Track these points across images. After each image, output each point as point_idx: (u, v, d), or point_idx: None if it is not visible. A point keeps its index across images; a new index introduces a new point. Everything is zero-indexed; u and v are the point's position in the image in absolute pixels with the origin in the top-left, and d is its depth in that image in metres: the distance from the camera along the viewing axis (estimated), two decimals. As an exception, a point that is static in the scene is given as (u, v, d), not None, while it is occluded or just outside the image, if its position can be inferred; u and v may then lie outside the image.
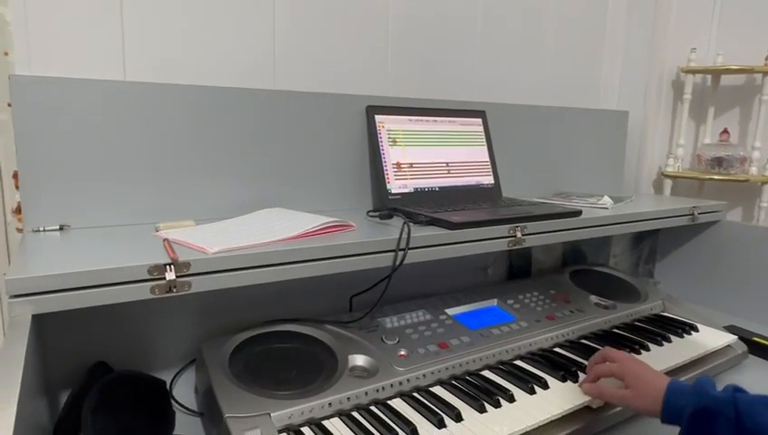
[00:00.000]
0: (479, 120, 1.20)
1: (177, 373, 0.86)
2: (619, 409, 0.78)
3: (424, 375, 0.79)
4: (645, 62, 1.61)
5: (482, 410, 0.72)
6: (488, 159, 1.19)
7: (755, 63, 1.53)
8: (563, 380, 0.81)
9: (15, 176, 0.86)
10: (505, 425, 0.69)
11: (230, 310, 0.89)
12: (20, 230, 0.87)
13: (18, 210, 0.87)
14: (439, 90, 1.27)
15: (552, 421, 0.72)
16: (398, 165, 1.06)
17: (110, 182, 0.86)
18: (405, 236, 0.80)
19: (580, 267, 1.28)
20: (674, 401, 0.67)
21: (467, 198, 1.12)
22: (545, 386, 0.79)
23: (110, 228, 0.84)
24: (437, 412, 0.70)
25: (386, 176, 1.04)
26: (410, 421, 0.68)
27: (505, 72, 1.39)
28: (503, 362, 0.87)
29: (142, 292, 0.63)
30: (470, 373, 0.83)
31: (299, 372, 0.75)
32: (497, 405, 0.74)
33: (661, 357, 0.92)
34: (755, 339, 1.05)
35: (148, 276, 0.63)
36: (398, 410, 0.71)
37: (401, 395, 0.76)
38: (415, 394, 0.76)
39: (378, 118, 1.06)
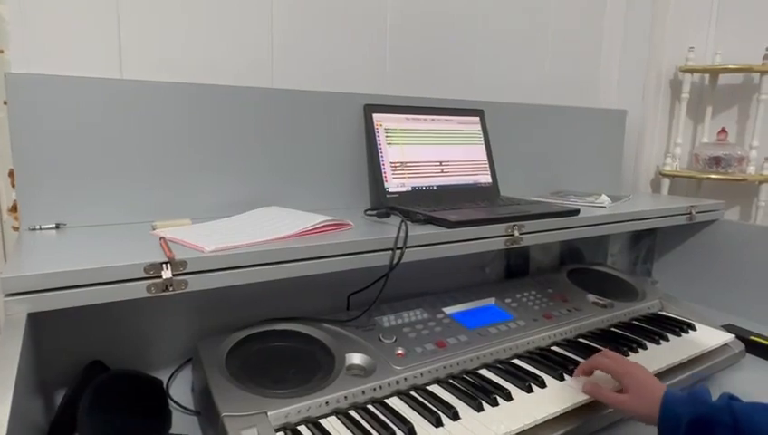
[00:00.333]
0: (477, 119, 1.19)
1: (174, 372, 0.86)
2: (616, 407, 0.78)
3: (421, 374, 0.79)
4: (643, 62, 1.61)
5: (479, 408, 0.72)
6: (486, 158, 1.19)
7: (753, 63, 1.53)
8: (561, 378, 0.81)
9: (11, 174, 0.86)
10: (503, 424, 0.69)
11: (227, 309, 0.89)
12: (16, 229, 0.87)
13: (14, 209, 0.87)
14: (437, 88, 1.27)
15: (549, 420, 0.72)
16: (396, 164, 1.06)
17: (107, 181, 0.85)
18: (402, 234, 0.80)
19: (578, 266, 1.28)
20: (671, 408, 0.66)
21: (465, 197, 1.12)
22: (543, 385, 0.79)
23: (107, 227, 0.84)
24: (435, 411, 0.70)
25: (383, 174, 1.04)
26: (408, 420, 0.68)
27: (504, 70, 1.39)
28: (500, 361, 0.87)
29: (138, 290, 0.62)
30: (467, 372, 0.83)
31: (296, 371, 0.75)
32: (495, 404, 0.74)
33: (659, 356, 0.92)
34: (753, 338, 1.05)
35: (145, 275, 0.62)
36: (396, 408, 0.71)
37: (398, 394, 0.76)
38: (412, 393, 0.76)
39: (375, 116, 1.06)
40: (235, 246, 0.70)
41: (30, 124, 0.79)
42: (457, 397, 0.75)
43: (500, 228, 0.91)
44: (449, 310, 0.98)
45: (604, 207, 1.15)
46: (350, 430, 0.66)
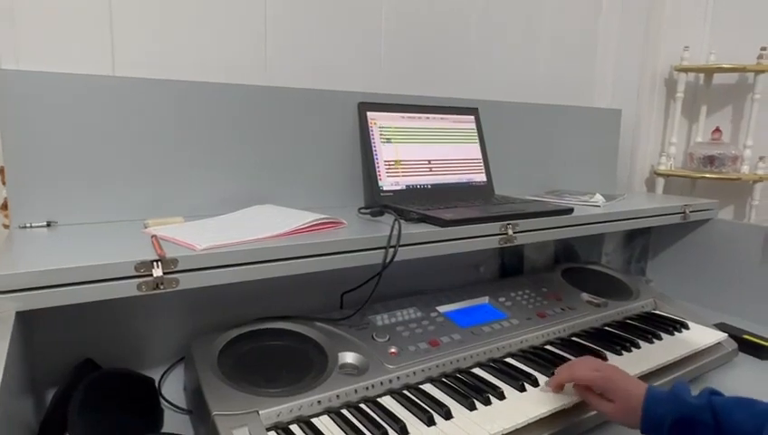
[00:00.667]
0: (472, 118, 1.19)
1: (166, 371, 0.85)
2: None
3: (414, 373, 0.79)
4: (638, 61, 1.61)
5: (472, 407, 0.72)
6: (480, 157, 1.19)
7: (747, 62, 1.53)
8: (554, 377, 0.81)
9: (2, 172, 0.85)
10: (495, 422, 0.69)
11: (220, 307, 0.89)
12: (6, 226, 0.86)
13: (5, 206, 0.86)
14: (432, 87, 1.27)
15: (541, 419, 0.72)
16: (390, 162, 1.06)
17: (99, 178, 0.85)
18: (395, 233, 0.79)
19: (573, 265, 1.28)
20: (653, 410, 0.66)
21: (459, 196, 1.11)
22: (535, 383, 0.79)
23: (98, 225, 0.83)
24: (427, 410, 0.70)
25: (378, 173, 1.03)
26: (400, 419, 0.68)
27: (499, 69, 1.38)
28: (493, 360, 0.87)
29: (129, 289, 0.62)
30: (461, 371, 0.83)
31: (288, 370, 0.75)
32: (487, 402, 0.74)
33: (652, 355, 0.92)
34: (745, 337, 1.06)
35: (135, 273, 0.62)
36: (388, 407, 0.71)
37: (391, 393, 0.75)
38: (405, 392, 0.76)
39: (370, 114, 1.06)
40: (228, 245, 0.69)
41: (20, 121, 0.78)
42: (450, 396, 0.75)
43: (494, 227, 0.91)
44: (443, 309, 0.98)
45: (598, 206, 1.15)
46: (342, 429, 0.66)
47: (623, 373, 0.74)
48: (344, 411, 0.70)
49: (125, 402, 0.73)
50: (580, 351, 0.91)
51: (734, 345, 1.01)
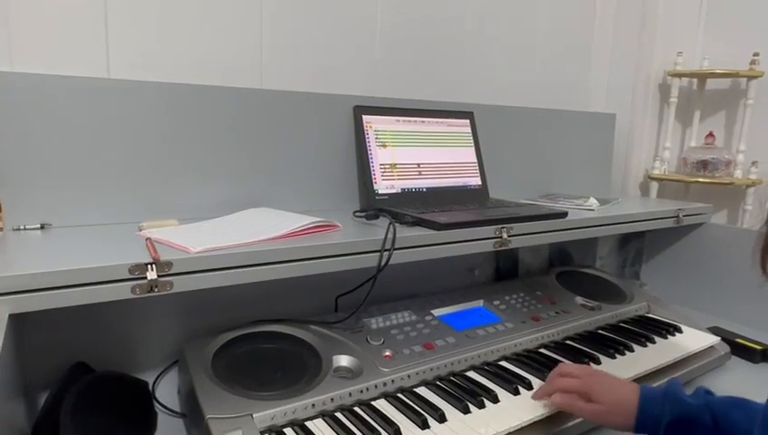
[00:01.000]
0: (467, 121, 1.20)
1: (160, 374, 0.85)
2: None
3: (409, 376, 0.79)
4: (632, 66, 1.62)
5: (466, 410, 0.72)
6: (476, 161, 1.19)
7: (740, 68, 1.54)
8: (548, 381, 0.82)
9: (-4, 173, 0.85)
10: (489, 426, 0.69)
11: (214, 310, 0.88)
12: (0, 229, 0.86)
13: (-2, 208, 0.86)
14: (427, 90, 1.27)
15: (535, 422, 0.73)
16: (385, 165, 1.06)
17: (93, 181, 0.84)
18: (390, 236, 0.80)
19: (567, 269, 1.28)
20: (648, 410, 0.66)
21: (454, 199, 1.12)
22: (529, 387, 0.80)
23: (93, 227, 0.83)
24: (421, 413, 0.70)
25: (373, 176, 1.04)
26: (394, 422, 0.68)
27: (494, 73, 1.39)
28: (488, 363, 0.87)
29: (123, 291, 0.62)
30: (455, 374, 0.83)
31: (283, 373, 0.75)
32: (481, 406, 0.74)
33: (645, 358, 0.92)
34: (738, 340, 1.06)
35: (129, 276, 0.62)
36: (382, 410, 0.71)
37: (385, 396, 0.75)
38: (399, 395, 0.76)
39: (365, 118, 1.06)
40: (222, 247, 0.69)
41: (14, 123, 0.78)
42: (444, 399, 0.75)
43: (489, 230, 0.91)
44: (438, 312, 0.98)
45: (593, 209, 1.16)
46: (337, 433, 0.66)
47: (604, 374, 0.74)
48: (338, 415, 0.70)
49: (118, 406, 0.72)
50: (574, 354, 0.91)
51: (727, 349, 1.02)
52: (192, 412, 0.69)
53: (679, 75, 1.63)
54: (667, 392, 0.67)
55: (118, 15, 0.90)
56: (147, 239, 0.72)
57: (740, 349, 1.04)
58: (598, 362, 0.89)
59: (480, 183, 1.18)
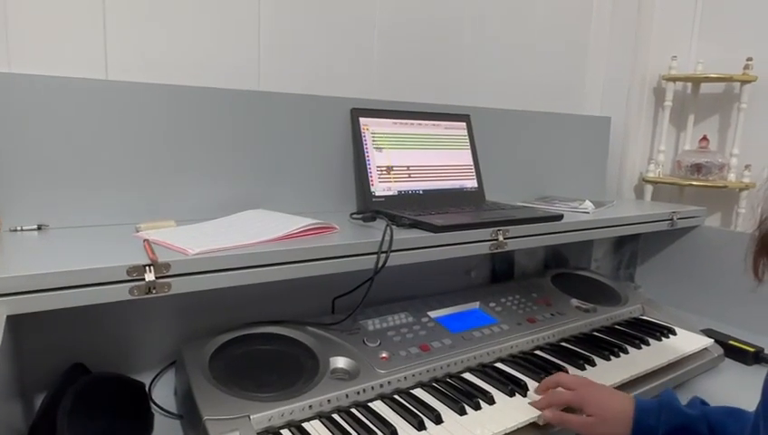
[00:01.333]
0: (463, 124, 1.20)
1: (157, 375, 0.85)
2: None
3: (405, 378, 0.80)
4: (627, 70, 1.63)
5: (462, 412, 0.73)
6: (472, 163, 1.20)
7: (734, 72, 1.56)
8: (543, 382, 0.82)
9: (-7, 174, 0.85)
10: (485, 427, 0.70)
11: (211, 312, 0.89)
12: (-3, 230, 0.86)
13: (-5, 209, 0.85)
14: (424, 93, 1.28)
15: (531, 424, 0.73)
16: (382, 168, 1.06)
17: (91, 182, 0.84)
18: (387, 238, 0.80)
19: (562, 271, 1.29)
20: (644, 421, 0.66)
21: (451, 202, 1.12)
22: (525, 389, 0.80)
23: (90, 228, 0.83)
24: (417, 414, 0.71)
25: (370, 178, 1.04)
26: (390, 424, 0.68)
27: (491, 77, 1.40)
28: (484, 365, 0.88)
29: (121, 293, 0.62)
30: (451, 376, 0.84)
31: (280, 375, 0.75)
32: (477, 407, 0.74)
33: (640, 360, 0.93)
34: (731, 342, 1.07)
35: (127, 277, 0.62)
36: (379, 412, 0.72)
37: (382, 397, 0.76)
38: (395, 396, 0.76)
39: (362, 120, 1.06)
40: (220, 249, 0.70)
41: (11, 124, 0.78)
42: (440, 400, 0.76)
43: (485, 233, 0.92)
44: (434, 314, 0.98)
45: (588, 212, 1.17)
46: (333, 434, 0.66)
47: (599, 386, 0.74)
48: (335, 416, 0.70)
49: (115, 407, 0.72)
50: (569, 356, 0.92)
51: (721, 351, 1.03)
52: (189, 414, 0.69)
53: (674, 79, 1.64)
54: (662, 403, 0.67)
55: (116, 17, 0.90)
56: (144, 241, 0.72)
57: (733, 351, 1.05)
58: (593, 363, 0.90)
59: (476, 186, 1.19)
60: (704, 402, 0.67)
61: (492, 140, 1.29)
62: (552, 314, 1.05)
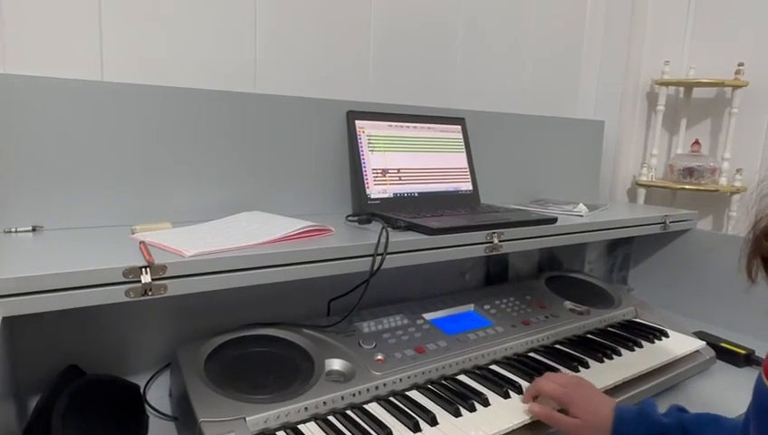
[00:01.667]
0: (458, 127, 1.21)
1: (152, 377, 0.85)
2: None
3: (400, 379, 0.80)
4: (621, 74, 1.65)
5: (457, 414, 0.73)
6: (467, 166, 1.20)
7: (726, 77, 1.58)
8: (537, 384, 0.83)
9: (-13, 175, 0.84)
10: (480, 429, 0.70)
11: (206, 313, 0.89)
12: (-9, 231, 0.85)
13: (-11, 210, 0.85)
14: (420, 97, 1.28)
15: (526, 425, 0.74)
16: (378, 170, 1.07)
17: (86, 183, 0.84)
18: (383, 241, 0.80)
19: (556, 274, 1.30)
20: (622, 430, 0.67)
21: (446, 204, 1.13)
22: (519, 391, 0.80)
23: (85, 230, 0.83)
24: (413, 416, 0.71)
25: (365, 181, 1.04)
26: (386, 425, 0.68)
27: (486, 80, 1.41)
28: (478, 367, 0.88)
29: (117, 295, 0.62)
30: (446, 378, 0.84)
31: (275, 377, 0.75)
32: (472, 409, 0.75)
33: (632, 362, 0.94)
34: (723, 344, 1.08)
35: (123, 279, 0.62)
36: (375, 414, 0.72)
37: (377, 399, 0.76)
38: (391, 398, 0.76)
39: (358, 123, 1.07)
40: (216, 251, 0.70)
41: (6, 125, 0.78)
42: (436, 402, 0.76)
43: (480, 236, 0.92)
44: (429, 316, 0.99)
45: (581, 215, 1.17)
46: (329, 436, 0.67)
47: (589, 389, 0.75)
48: (331, 418, 0.71)
49: (110, 409, 0.72)
50: (563, 358, 0.92)
51: (712, 353, 1.03)
52: (184, 416, 0.69)
53: (666, 84, 1.66)
54: (641, 412, 0.68)
55: (112, 19, 0.90)
56: (140, 242, 0.72)
57: (724, 353, 1.06)
58: (586, 365, 0.91)
59: (471, 188, 1.20)
60: (682, 410, 0.69)
61: (486, 143, 1.30)
62: (546, 317, 1.05)
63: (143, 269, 0.63)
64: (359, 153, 1.05)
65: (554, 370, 0.88)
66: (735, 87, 1.57)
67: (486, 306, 1.05)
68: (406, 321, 0.95)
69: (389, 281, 1.06)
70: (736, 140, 1.61)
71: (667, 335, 1.07)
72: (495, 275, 1.30)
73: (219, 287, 0.69)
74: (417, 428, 0.69)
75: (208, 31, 1.00)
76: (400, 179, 1.09)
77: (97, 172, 0.85)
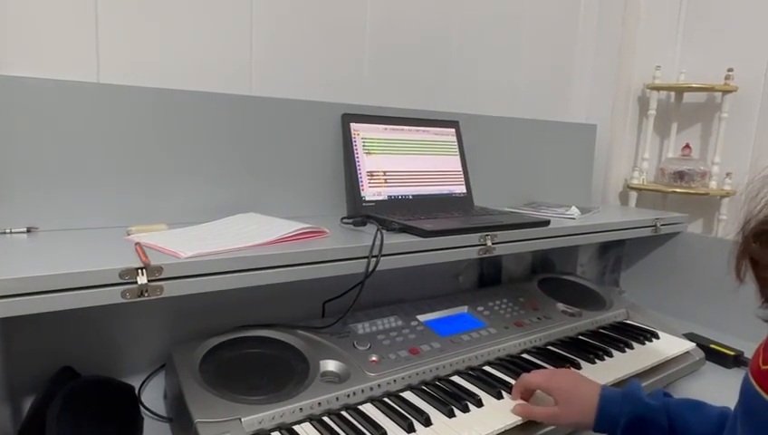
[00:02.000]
0: (452, 131, 1.22)
1: (146, 378, 0.85)
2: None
3: (395, 380, 0.80)
4: (613, 79, 1.66)
5: (451, 414, 0.74)
6: (461, 169, 1.21)
7: (716, 83, 1.60)
8: (530, 385, 0.83)
9: (-19, 176, 0.84)
10: (473, 429, 0.71)
11: (201, 315, 0.89)
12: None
13: (-17, 211, 0.85)
14: (414, 100, 1.29)
15: (519, 425, 0.74)
16: (373, 173, 1.07)
17: (81, 184, 0.84)
18: (378, 243, 0.81)
19: (549, 276, 1.31)
20: (607, 409, 0.68)
21: (440, 207, 1.14)
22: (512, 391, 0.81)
23: (80, 231, 0.83)
24: (407, 417, 0.71)
25: (360, 183, 1.05)
26: (380, 426, 0.69)
27: (480, 84, 1.42)
28: (472, 368, 0.89)
29: (113, 296, 0.62)
30: (440, 379, 0.85)
31: (270, 378, 0.76)
32: (466, 410, 0.75)
33: (623, 363, 0.95)
34: (712, 346, 1.10)
35: (120, 280, 0.62)
36: (369, 414, 0.72)
37: (372, 400, 0.77)
38: (385, 399, 0.77)
39: (353, 126, 1.07)
40: (212, 253, 0.70)
41: (1, 126, 0.78)
42: (429, 403, 0.77)
43: (473, 238, 0.93)
44: (423, 317, 0.99)
45: (574, 218, 1.19)
46: (324, 436, 0.67)
47: (569, 374, 0.76)
48: (326, 419, 0.71)
49: (104, 410, 0.72)
50: (555, 359, 0.93)
51: (702, 354, 1.05)
52: (180, 417, 0.70)
53: (657, 88, 1.68)
54: (626, 393, 0.69)
55: (108, 21, 0.90)
56: (136, 244, 0.72)
57: (714, 354, 1.08)
58: (578, 367, 0.92)
59: (465, 191, 1.21)
60: (667, 394, 0.69)
61: (480, 146, 1.31)
62: (538, 318, 1.06)
63: (139, 270, 0.63)
64: (353, 156, 1.06)
65: (547, 371, 0.88)
66: (725, 92, 1.60)
67: (480, 308, 1.06)
68: (400, 322, 0.96)
69: (384, 283, 1.07)
70: (726, 144, 1.63)
71: (657, 337, 1.08)
72: (489, 277, 1.31)
73: (215, 289, 0.69)
74: (411, 428, 0.70)
75: (204, 33, 1.00)
76: (395, 182, 1.10)
77: (92, 173, 0.85)
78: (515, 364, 0.91)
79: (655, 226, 1.30)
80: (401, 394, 0.79)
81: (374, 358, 0.83)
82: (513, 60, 1.48)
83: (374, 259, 0.80)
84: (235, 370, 0.76)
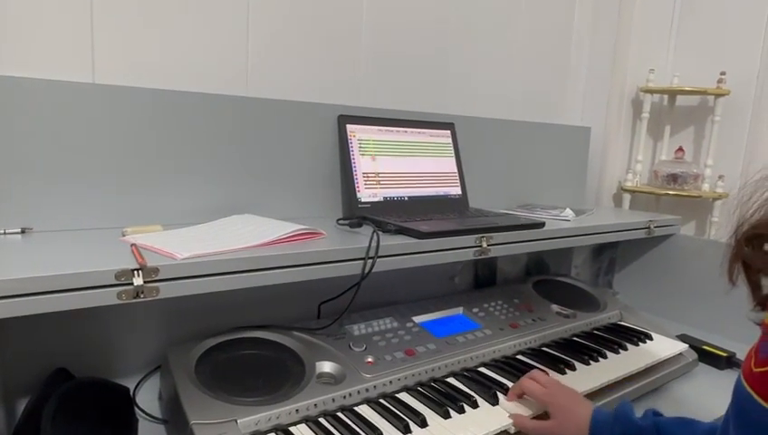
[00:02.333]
0: (448, 132, 1.22)
1: (141, 380, 0.85)
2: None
3: (390, 382, 0.81)
4: (607, 82, 1.68)
5: (446, 415, 0.74)
6: (456, 171, 1.22)
7: (708, 86, 1.61)
8: (525, 386, 0.84)
9: (-25, 176, 0.84)
10: (468, 430, 0.71)
11: (197, 316, 0.89)
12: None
13: (-23, 212, 0.84)
14: (410, 102, 1.30)
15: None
16: (369, 174, 1.08)
17: (75, 185, 0.84)
18: (374, 244, 0.81)
19: (543, 277, 1.32)
20: (599, 431, 0.69)
21: (435, 208, 1.14)
22: (507, 392, 0.82)
23: (75, 232, 0.82)
24: (403, 418, 0.72)
25: (356, 184, 1.05)
26: (376, 427, 0.69)
27: (475, 86, 1.42)
28: (467, 369, 0.89)
29: (109, 297, 0.62)
30: (435, 380, 0.85)
31: (266, 379, 0.76)
32: (461, 411, 0.76)
33: (617, 365, 0.95)
34: (705, 347, 1.11)
35: (115, 281, 0.62)
36: (365, 416, 0.72)
37: (368, 401, 0.77)
38: (381, 400, 0.77)
39: (349, 127, 1.07)
40: (208, 254, 0.70)
41: (-3, 126, 0.77)
42: (425, 404, 0.77)
43: (469, 240, 0.93)
44: (419, 319, 0.99)
45: (568, 220, 1.19)
46: (320, 438, 0.67)
47: (569, 391, 0.77)
48: (322, 420, 0.71)
49: (99, 412, 0.72)
50: (550, 360, 0.94)
51: (695, 356, 1.06)
52: (175, 418, 0.69)
53: (651, 91, 1.69)
54: (617, 415, 0.70)
55: (104, 21, 0.90)
56: (132, 245, 0.72)
57: (706, 356, 1.09)
58: (573, 368, 0.92)
59: (460, 192, 1.21)
60: (657, 413, 0.70)
61: (475, 148, 1.31)
62: (533, 320, 1.07)
63: (135, 272, 0.63)
64: (349, 157, 1.06)
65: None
66: (718, 95, 1.61)
67: (475, 309, 1.07)
68: (396, 324, 0.96)
69: (379, 284, 1.07)
70: (718, 147, 1.65)
71: (650, 338, 1.09)
72: (484, 279, 1.31)
73: (211, 290, 0.69)
74: (407, 430, 0.70)
75: (200, 34, 1.00)
76: (390, 183, 1.10)
77: (87, 174, 0.85)
78: (510, 365, 0.91)
79: (648, 228, 1.30)
80: (397, 395, 0.79)
81: (370, 359, 0.83)
82: (508, 63, 1.48)
83: (371, 261, 0.80)
84: (230, 371, 0.76)
